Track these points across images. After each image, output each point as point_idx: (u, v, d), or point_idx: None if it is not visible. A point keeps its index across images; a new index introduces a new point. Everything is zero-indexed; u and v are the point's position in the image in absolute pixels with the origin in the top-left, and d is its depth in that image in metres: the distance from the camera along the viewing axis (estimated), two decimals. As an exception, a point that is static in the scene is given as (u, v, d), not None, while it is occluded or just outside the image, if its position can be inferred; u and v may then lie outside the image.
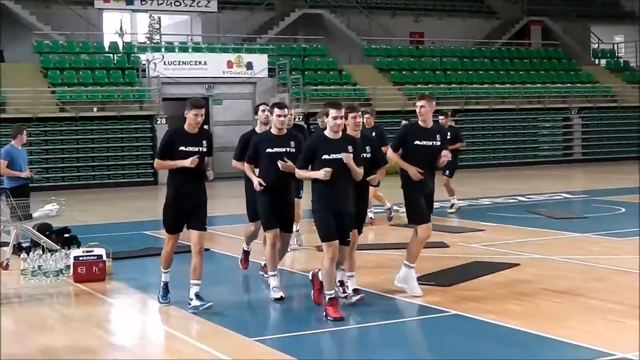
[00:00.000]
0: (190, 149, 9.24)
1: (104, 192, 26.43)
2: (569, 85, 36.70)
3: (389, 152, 9.57)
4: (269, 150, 9.55)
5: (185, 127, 9.47)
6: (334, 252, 8.47)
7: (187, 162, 9.04)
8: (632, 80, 38.83)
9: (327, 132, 8.71)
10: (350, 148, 8.54)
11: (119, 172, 28.83)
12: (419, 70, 35.50)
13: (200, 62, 30.99)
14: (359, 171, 8.62)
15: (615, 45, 44.32)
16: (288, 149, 9.49)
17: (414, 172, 9.21)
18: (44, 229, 12.77)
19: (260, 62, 31.87)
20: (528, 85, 35.87)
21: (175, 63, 30.62)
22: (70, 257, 11.20)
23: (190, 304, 9.08)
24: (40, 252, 11.40)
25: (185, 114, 9.51)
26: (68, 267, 11.17)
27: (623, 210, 17.59)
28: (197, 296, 9.12)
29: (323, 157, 8.50)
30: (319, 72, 33.51)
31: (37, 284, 10.91)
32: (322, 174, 8.39)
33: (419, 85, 33.97)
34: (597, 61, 42.04)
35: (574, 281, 10.15)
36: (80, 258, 11.06)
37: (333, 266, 8.56)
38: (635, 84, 38.35)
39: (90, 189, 27.24)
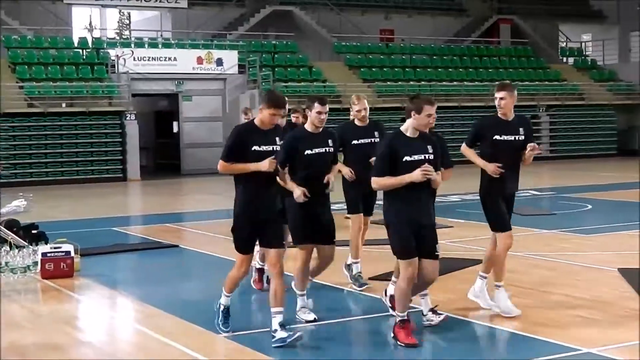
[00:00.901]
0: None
1: (73, 188, 26.28)
2: (537, 83, 36.97)
3: (463, 148, 8.60)
4: (308, 152, 8.31)
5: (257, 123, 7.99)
6: (414, 271, 7.31)
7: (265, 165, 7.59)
8: (600, 79, 39.19)
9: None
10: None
11: (88, 168, 28.68)
12: (388, 67, 35.60)
13: (170, 58, 30.88)
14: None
15: (583, 44, 44.70)
16: (327, 149, 8.45)
17: (492, 168, 8.30)
18: (12, 225, 12.65)
19: (230, 59, 31.81)
20: (497, 83, 35.91)
21: (144, 59, 30.48)
22: (38, 253, 11.12)
23: (274, 337, 7.42)
24: (8, 248, 11.32)
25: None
26: (36, 263, 11.09)
27: (590, 207, 17.76)
28: (282, 326, 7.48)
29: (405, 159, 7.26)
30: (289, 69, 33.49)
31: (4, 280, 10.82)
32: (418, 174, 7.12)
33: (388, 83, 34.09)
34: (565, 59, 42.39)
35: (541, 277, 10.23)
36: (48, 254, 10.98)
37: (410, 286, 7.37)
38: (602, 82, 38.72)
39: (58, 184, 27.08)
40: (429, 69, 36.08)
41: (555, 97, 36.56)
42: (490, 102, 34.52)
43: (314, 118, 8.50)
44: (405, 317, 7.35)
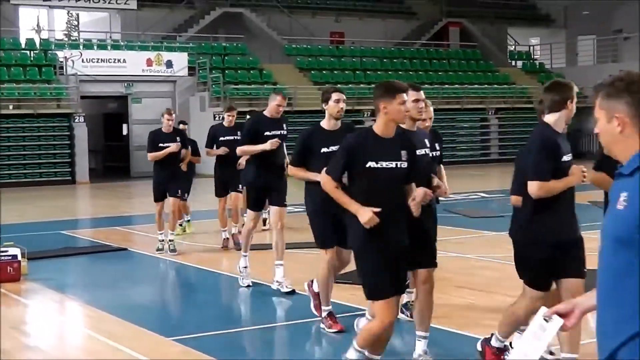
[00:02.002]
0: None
1: (20, 191, 25.93)
2: (486, 86, 37.31)
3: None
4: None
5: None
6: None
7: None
8: (547, 82, 39.63)
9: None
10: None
11: (36, 171, 28.35)
12: (339, 70, 35.70)
13: (119, 60, 30.64)
14: None
15: (531, 48, 45.24)
16: None
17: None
18: (-43, 228, 12.48)
19: (180, 61, 31.65)
20: (446, 85, 36.34)
21: (93, 60, 30.20)
22: (-17, 257, 10.96)
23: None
24: (-47, 252, 11.15)
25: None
26: (-19, 267, 10.93)
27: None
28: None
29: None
30: (239, 71, 33.43)
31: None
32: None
33: (339, 85, 34.12)
34: (513, 63, 42.82)
35: (490, 279, 10.33)
36: (-5, 258, 10.84)
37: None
38: (550, 86, 39.16)
39: (6, 187, 26.69)
40: (379, 72, 36.24)
41: (504, 100, 36.93)
42: (440, 105, 34.88)
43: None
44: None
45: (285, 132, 9.69)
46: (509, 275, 10.60)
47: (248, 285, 9.95)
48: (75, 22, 43.36)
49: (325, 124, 8.07)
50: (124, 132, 33.21)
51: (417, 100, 6.51)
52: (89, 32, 36.98)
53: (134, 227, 16.83)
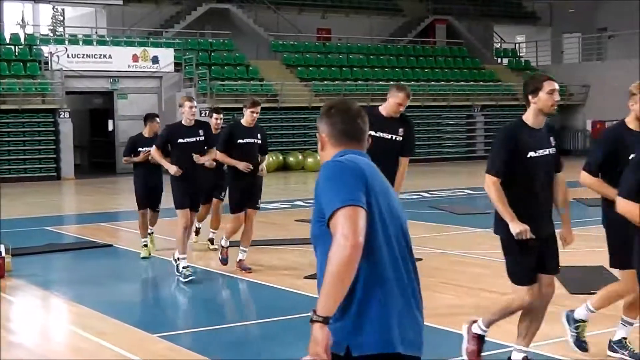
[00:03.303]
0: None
1: (5, 186, 25.76)
2: (472, 83, 37.39)
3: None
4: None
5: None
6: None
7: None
8: (532, 79, 39.72)
9: None
10: None
11: (21, 167, 28.24)
12: (325, 66, 35.68)
13: (105, 56, 30.54)
14: None
15: (517, 45, 45.33)
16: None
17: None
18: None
19: (167, 57, 31.59)
20: (433, 82, 36.38)
21: (79, 56, 30.10)
22: (-32, 253, 10.92)
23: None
24: (-63, 248, 11.10)
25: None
26: (-34, 263, 10.89)
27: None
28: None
29: None
30: (225, 67, 33.37)
31: None
32: None
33: (325, 82, 34.16)
34: (499, 60, 42.93)
35: (474, 275, 10.35)
36: (-21, 254, 10.79)
37: None
38: (536, 83, 39.24)
39: (-10, 183, 26.61)
40: (365, 69, 36.26)
41: (490, 97, 37.01)
42: (426, 102, 34.95)
43: None
44: None
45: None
46: (494, 271, 10.64)
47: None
48: (61, 17, 43.18)
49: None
50: (110, 128, 33.12)
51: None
52: (75, 27, 36.80)
53: (119, 224, 16.79)
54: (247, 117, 10.65)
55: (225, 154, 10.47)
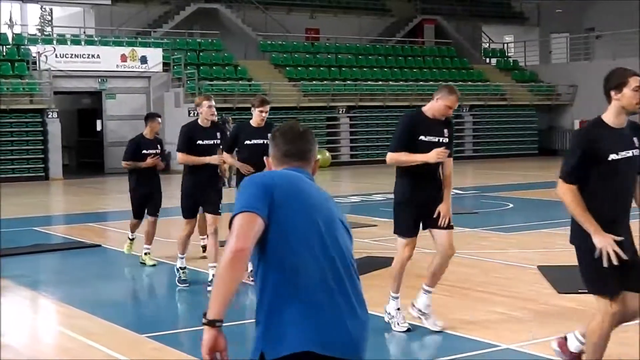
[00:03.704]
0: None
1: (-7, 187, 25.76)
2: (460, 83, 37.40)
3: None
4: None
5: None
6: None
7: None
8: (521, 79, 39.89)
9: None
10: None
11: (9, 167, 28.15)
12: (314, 66, 35.70)
13: (93, 55, 30.48)
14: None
15: (505, 45, 45.45)
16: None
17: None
18: None
19: (155, 56, 31.55)
20: (421, 82, 36.41)
21: (67, 56, 30.04)
22: (-45, 254, 10.89)
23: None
24: None
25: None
26: (-47, 264, 10.87)
27: (511, 205, 18.06)
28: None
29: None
30: (214, 67, 33.35)
31: None
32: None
33: (314, 82, 34.18)
34: (487, 60, 43.01)
35: (463, 275, 10.37)
36: (-33, 255, 10.77)
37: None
38: (524, 83, 39.41)
39: (-23, 184, 26.52)
40: (354, 69, 36.28)
41: (478, 97, 37.08)
42: (414, 102, 34.98)
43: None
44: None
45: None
46: (482, 270, 10.69)
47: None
48: (49, 17, 43.06)
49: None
50: (98, 128, 33.05)
51: None
52: (63, 27, 36.71)
53: (107, 224, 16.77)
54: (256, 117, 9.86)
55: (230, 155, 9.92)
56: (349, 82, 34.93)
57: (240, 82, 32.77)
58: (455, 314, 8.36)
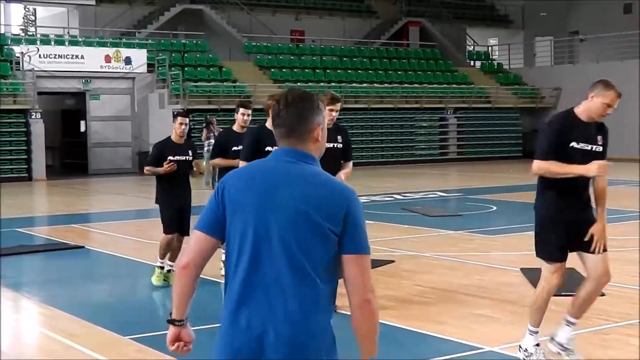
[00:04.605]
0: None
1: (-25, 187, 25.63)
2: (445, 85, 37.54)
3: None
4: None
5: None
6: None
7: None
8: (506, 82, 40.01)
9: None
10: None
11: (-8, 168, 28.01)
12: (299, 68, 35.71)
13: (77, 56, 30.39)
14: None
15: (490, 48, 45.59)
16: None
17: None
18: None
19: (139, 57, 31.48)
20: (406, 85, 36.47)
21: (51, 56, 29.94)
22: (-63, 255, 10.82)
23: None
24: None
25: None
26: None
27: (495, 208, 18.12)
28: None
29: None
30: (198, 69, 33.31)
31: None
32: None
33: (299, 83, 34.16)
34: (472, 63, 43.13)
35: (446, 277, 10.40)
36: (-52, 256, 10.70)
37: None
38: (508, 86, 39.53)
39: (-40, 184, 26.38)
40: (339, 71, 36.32)
41: (463, 99, 37.18)
42: (399, 104, 35.05)
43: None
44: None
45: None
46: (465, 273, 10.71)
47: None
48: (33, 17, 42.90)
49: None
50: (82, 128, 32.94)
51: None
52: (47, 27, 36.57)
53: (91, 225, 16.71)
54: (327, 117, 9.63)
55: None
56: (333, 84, 34.94)
57: (224, 83, 32.73)
58: (439, 316, 8.37)
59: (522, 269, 10.57)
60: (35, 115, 28.64)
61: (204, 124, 24.73)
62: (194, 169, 10.23)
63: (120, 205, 20.44)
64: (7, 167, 28.23)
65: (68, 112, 35.06)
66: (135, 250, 12.84)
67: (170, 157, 9.89)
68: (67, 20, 36.53)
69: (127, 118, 31.75)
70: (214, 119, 24.21)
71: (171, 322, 3.63)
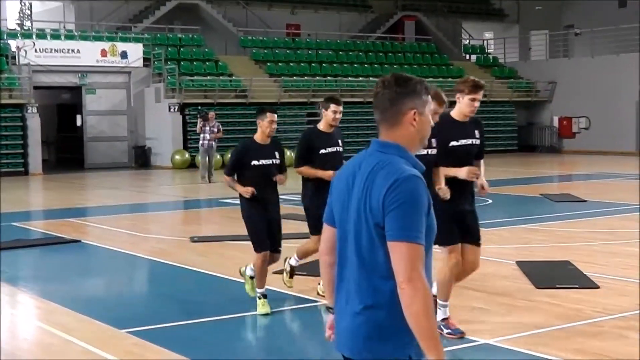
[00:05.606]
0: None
1: (-29, 182, 25.63)
2: (440, 79, 37.51)
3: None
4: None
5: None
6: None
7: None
8: (501, 76, 40.04)
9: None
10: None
11: (-13, 162, 27.99)
12: (295, 62, 35.71)
13: (73, 50, 30.37)
14: None
15: (485, 42, 45.60)
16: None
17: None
18: None
19: (135, 52, 31.46)
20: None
21: (47, 51, 29.92)
22: None
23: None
24: None
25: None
26: None
27: (490, 201, 18.13)
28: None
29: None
30: (194, 63, 33.31)
31: None
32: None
33: (294, 77, 34.20)
34: (467, 56, 43.16)
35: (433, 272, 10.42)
36: (-55, 250, 10.72)
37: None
38: (503, 80, 39.57)
39: (-44, 179, 26.37)
40: (334, 64, 36.33)
41: (458, 93, 37.14)
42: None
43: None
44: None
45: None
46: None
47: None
48: (28, 12, 42.79)
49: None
50: (78, 123, 32.94)
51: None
52: (42, 21, 36.51)
53: (87, 219, 16.72)
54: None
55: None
56: (329, 77, 34.97)
57: (220, 77, 32.72)
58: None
59: (517, 262, 10.60)
60: (32, 110, 28.62)
61: (199, 115, 24.74)
62: (281, 175, 8.57)
63: (116, 199, 20.46)
64: (3, 161, 28.20)
65: (64, 106, 35.06)
66: (131, 244, 12.86)
67: (255, 162, 8.29)
68: (63, 15, 36.48)
69: (123, 112, 31.75)
70: (213, 114, 24.18)
71: (330, 309, 3.67)
